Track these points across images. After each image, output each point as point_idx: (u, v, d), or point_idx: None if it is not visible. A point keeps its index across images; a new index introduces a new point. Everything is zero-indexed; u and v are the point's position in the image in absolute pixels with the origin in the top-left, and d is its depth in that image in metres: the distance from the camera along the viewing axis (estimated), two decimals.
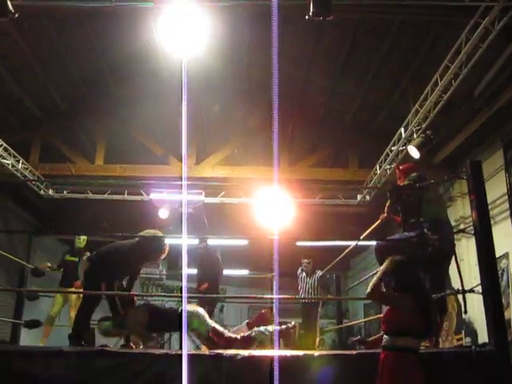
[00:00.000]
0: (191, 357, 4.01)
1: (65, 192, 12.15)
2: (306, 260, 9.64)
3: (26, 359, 3.97)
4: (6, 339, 10.63)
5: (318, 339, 9.35)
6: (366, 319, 13.49)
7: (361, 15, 7.64)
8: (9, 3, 5.59)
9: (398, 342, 3.60)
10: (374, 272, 5.70)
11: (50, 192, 12.11)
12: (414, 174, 5.60)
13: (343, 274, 15.71)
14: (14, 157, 10.34)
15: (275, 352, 4.09)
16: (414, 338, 3.62)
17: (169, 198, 11.61)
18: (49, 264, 9.16)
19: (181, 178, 10.83)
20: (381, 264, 4.25)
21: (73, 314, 8.67)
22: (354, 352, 4.34)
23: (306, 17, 5.88)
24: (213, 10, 6.92)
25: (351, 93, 9.99)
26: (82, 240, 9.23)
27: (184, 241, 5.05)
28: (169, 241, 6.08)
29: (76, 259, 9.14)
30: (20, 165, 10.53)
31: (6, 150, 10.02)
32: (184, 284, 5.45)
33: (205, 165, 11.36)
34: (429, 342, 5.10)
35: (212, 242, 10.16)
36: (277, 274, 9.20)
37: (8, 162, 10.19)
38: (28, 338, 10.25)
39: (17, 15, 5.71)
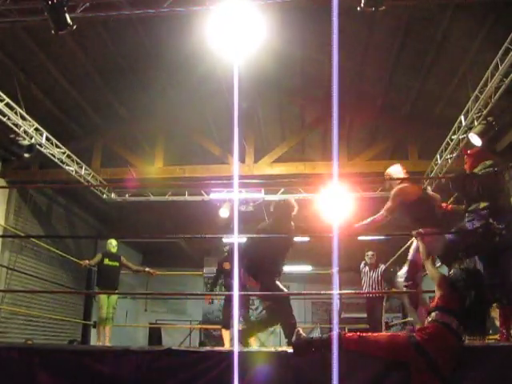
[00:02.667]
0: (258, 354, 4.03)
1: (127, 195, 12.43)
2: (370, 252, 9.52)
3: (94, 358, 4.07)
4: (77, 339, 11.02)
5: None
6: None
7: (413, 2, 7.48)
8: (67, 17, 5.75)
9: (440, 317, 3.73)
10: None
11: (113, 196, 12.43)
12: (489, 161, 5.39)
13: None
14: (77, 163, 10.68)
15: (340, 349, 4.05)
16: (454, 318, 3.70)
17: (228, 197, 11.73)
18: (87, 262, 9.44)
19: (239, 176, 10.90)
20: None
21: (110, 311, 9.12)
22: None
23: (358, 8, 5.80)
24: (264, 7, 6.91)
25: (408, 82, 9.79)
26: (114, 245, 9.47)
27: (236, 239, 5.06)
28: (230, 240, 6.10)
29: (116, 264, 9.44)
30: (83, 171, 10.87)
31: (69, 157, 10.36)
32: (236, 281, 5.42)
33: (263, 163, 11.38)
34: (500, 336, 4.96)
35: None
36: (337, 270, 9.15)
37: (72, 168, 10.54)
38: (96, 338, 10.56)
39: (74, 27, 5.87)
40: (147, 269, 9.78)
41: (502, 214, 4.97)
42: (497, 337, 5.20)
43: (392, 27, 8.39)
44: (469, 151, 5.74)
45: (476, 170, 5.34)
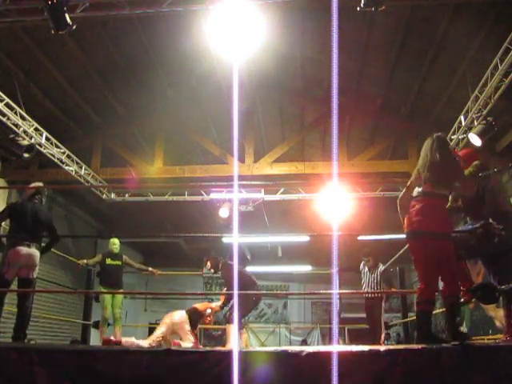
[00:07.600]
0: (256, 353, 4.03)
1: (126, 195, 12.43)
2: (365, 258, 9.50)
3: (94, 358, 4.06)
4: (77, 338, 11.02)
5: (383, 334, 9.22)
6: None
7: (413, 1, 7.48)
8: (67, 16, 5.74)
9: None
10: None
11: (113, 196, 12.42)
12: (477, 162, 5.41)
13: (407, 267, 15.42)
14: (77, 163, 10.66)
15: (339, 348, 4.04)
16: None
17: (228, 197, 11.73)
18: (85, 261, 9.46)
19: (239, 176, 10.91)
20: None
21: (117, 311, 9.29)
22: (419, 347, 4.24)
23: (358, 8, 5.80)
24: (264, 7, 6.91)
25: (408, 82, 9.78)
26: (116, 245, 9.53)
27: (236, 239, 5.03)
28: (230, 239, 6.09)
29: (119, 263, 9.52)
30: (83, 171, 10.86)
31: (69, 157, 10.35)
32: (235, 281, 5.41)
33: (263, 162, 11.36)
34: (506, 336, 4.95)
35: (273, 238, 10.15)
36: (337, 270, 9.15)
37: (71, 168, 10.53)
38: (98, 338, 10.50)
39: (74, 27, 5.86)
40: (150, 268, 9.81)
41: (502, 215, 4.97)
42: (497, 336, 5.20)
43: (392, 27, 8.39)
44: (460, 153, 5.71)
45: (466, 171, 5.34)
